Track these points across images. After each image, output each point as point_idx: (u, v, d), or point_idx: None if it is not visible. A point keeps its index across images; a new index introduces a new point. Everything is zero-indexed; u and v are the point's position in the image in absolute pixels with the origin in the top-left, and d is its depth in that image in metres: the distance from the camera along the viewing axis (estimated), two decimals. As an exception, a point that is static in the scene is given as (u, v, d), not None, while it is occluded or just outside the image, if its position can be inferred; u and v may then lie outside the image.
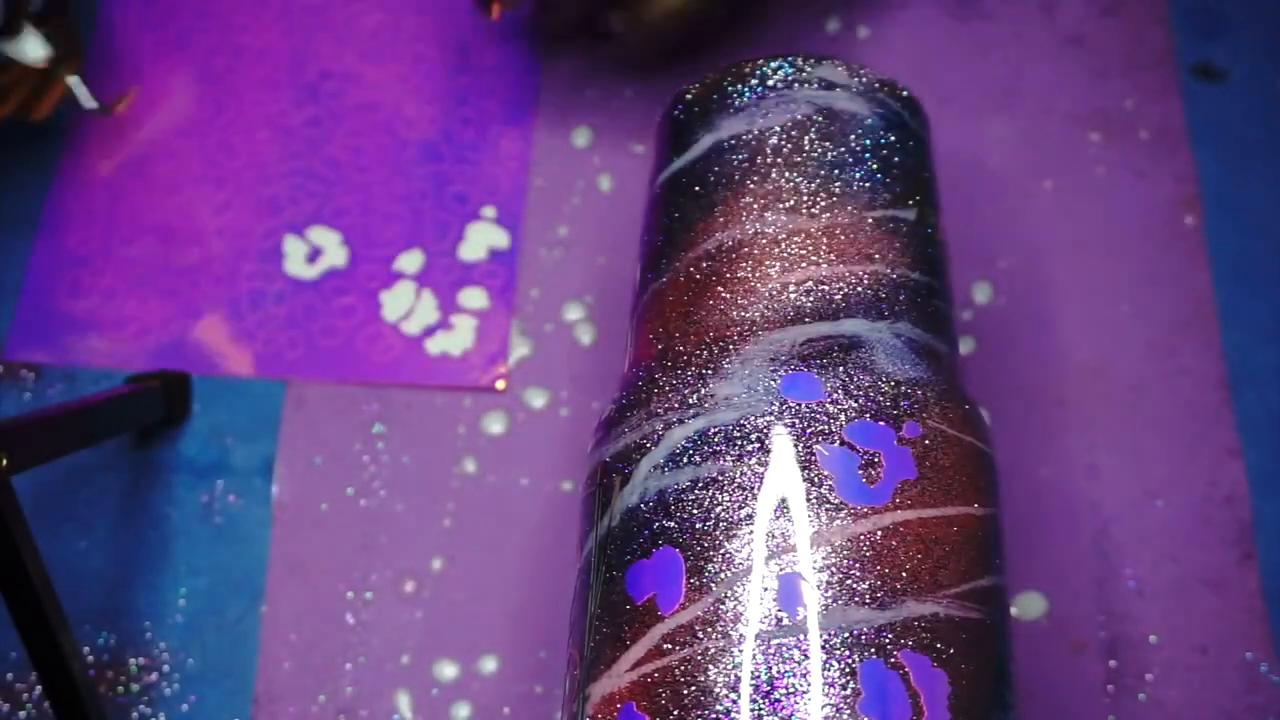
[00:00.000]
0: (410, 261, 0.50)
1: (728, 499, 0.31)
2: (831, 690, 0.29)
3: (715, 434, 0.32)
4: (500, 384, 0.48)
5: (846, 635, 0.29)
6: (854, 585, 0.30)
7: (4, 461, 0.35)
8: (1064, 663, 0.44)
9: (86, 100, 0.46)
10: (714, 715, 0.29)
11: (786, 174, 0.35)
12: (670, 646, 0.30)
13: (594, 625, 0.32)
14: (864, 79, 0.36)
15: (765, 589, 0.30)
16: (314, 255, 0.50)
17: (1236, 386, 0.47)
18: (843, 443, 0.31)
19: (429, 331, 0.49)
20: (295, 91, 0.53)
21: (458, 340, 0.49)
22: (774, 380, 0.32)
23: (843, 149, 0.35)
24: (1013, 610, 0.44)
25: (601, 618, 0.32)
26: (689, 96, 0.38)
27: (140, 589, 0.46)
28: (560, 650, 0.44)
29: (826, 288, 0.34)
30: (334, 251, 0.50)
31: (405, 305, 0.49)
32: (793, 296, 0.34)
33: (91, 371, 0.49)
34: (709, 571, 0.30)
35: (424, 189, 0.51)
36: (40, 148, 0.52)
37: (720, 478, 0.31)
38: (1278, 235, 0.50)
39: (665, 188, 0.37)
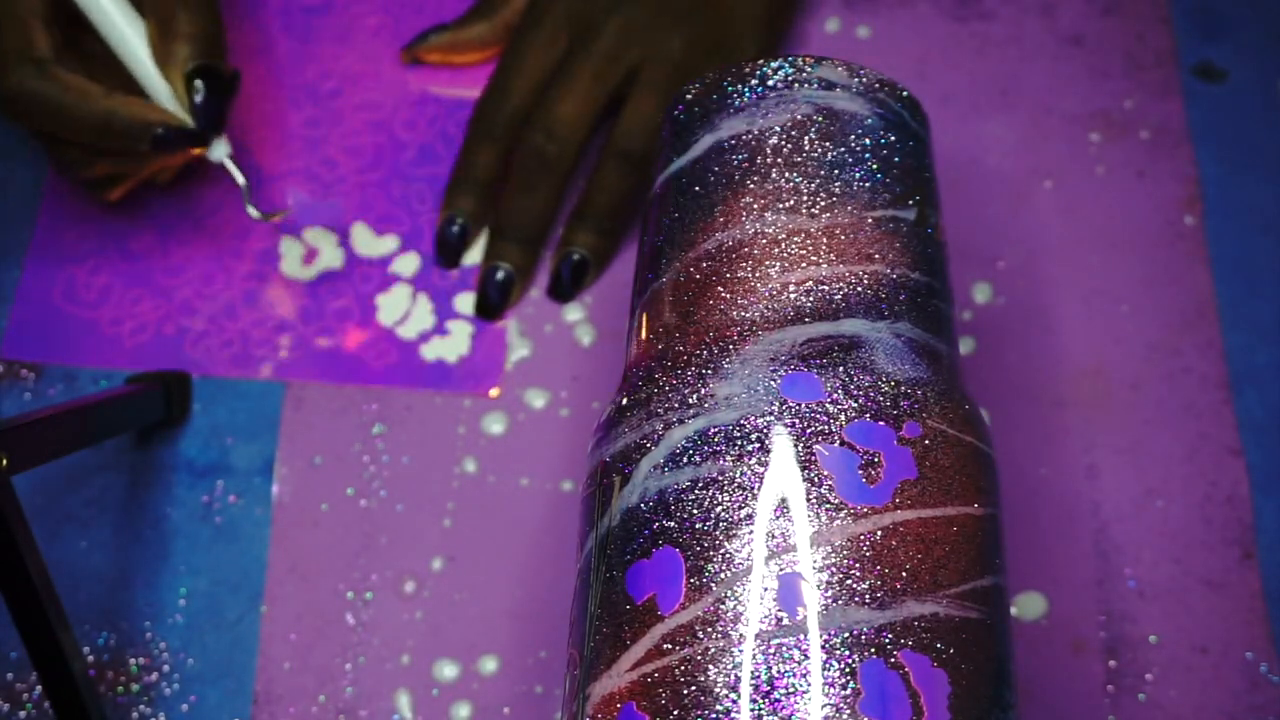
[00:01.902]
0: (406, 265, 0.50)
1: (728, 499, 0.31)
2: (831, 690, 0.29)
3: (715, 434, 0.32)
4: (494, 392, 0.48)
5: (846, 635, 0.29)
6: (854, 585, 0.30)
7: (4, 461, 0.35)
8: (1064, 663, 0.44)
9: (238, 177, 0.45)
10: (714, 715, 0.29)
11: (786, 174, 0.35)
12: (670, 646, 0.30)
13: (594, 625, 0.32)
14: (864, 79, 0.36)
15: (765, 589, 0.30)
16: (310, 257, 0.50)
17: (1237, 386, 0.47)
18: (843, 443, 0.31)
19: (424, 337, 0.49)
20: (293, 92, 0.53)
21: (453, 346, 0.49)
22: (774, 380, 0.32)
23: (843, 149, 0.35)
24: (1013, 610, 0.44)
25: (601, 617, 0.32)
26: (689, 96, 0.38)
27: (140, 589, 0.46)
28: (560, 650, 0.44)
29: (826, 288, 0.34)
30: (330, 253, 0.50)
31: (401, 309, 0.49)
32: (793, 296, 0.34)
33: (91, 371, 0.49)
34: (709, 571, 0.30)
35: (422, 192, 0.51)
36: (37, 145, 0.52)
37: (720, 478, 0.31)
38: (1279, 235, 0.50)
39: (665, 188, 0.37)
